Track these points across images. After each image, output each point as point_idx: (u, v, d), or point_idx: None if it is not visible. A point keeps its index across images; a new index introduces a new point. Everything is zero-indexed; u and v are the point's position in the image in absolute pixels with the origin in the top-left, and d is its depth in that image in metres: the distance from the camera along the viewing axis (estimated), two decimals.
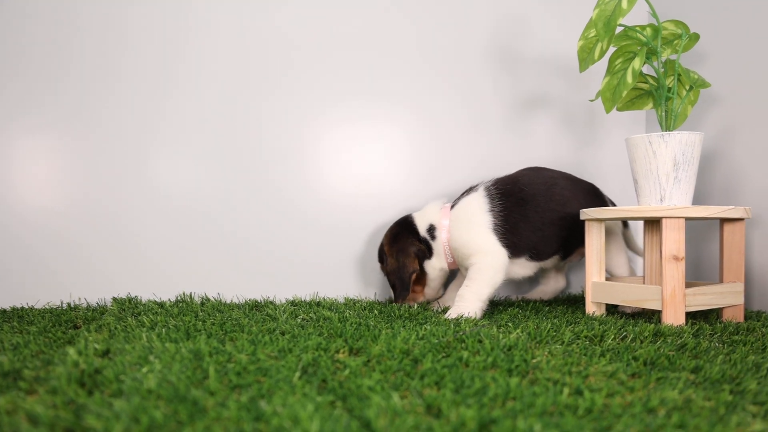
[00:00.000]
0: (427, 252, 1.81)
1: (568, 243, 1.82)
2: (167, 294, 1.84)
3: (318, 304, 1.75)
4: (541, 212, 1.75)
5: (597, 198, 1.87)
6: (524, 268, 1.80)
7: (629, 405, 0.83)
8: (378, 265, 1.92)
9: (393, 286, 1.80)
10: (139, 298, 1.78)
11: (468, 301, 1.63)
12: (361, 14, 2.02)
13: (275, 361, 1.02)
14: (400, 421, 0.74)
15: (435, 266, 1.82)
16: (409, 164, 2.06)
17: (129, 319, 1.44)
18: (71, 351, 0.98)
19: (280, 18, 1.95)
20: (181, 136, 1.88)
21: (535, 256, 1.78)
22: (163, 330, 1.28)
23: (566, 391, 0.88)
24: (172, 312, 1.54)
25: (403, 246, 1.79)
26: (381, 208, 2.01)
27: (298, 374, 0.94)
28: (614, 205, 1.91)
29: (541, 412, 0.80)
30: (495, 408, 0.81)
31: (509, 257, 1.72)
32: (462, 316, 1.57)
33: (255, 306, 1.72)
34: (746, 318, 1.62)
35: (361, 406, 0.80)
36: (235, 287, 1.89)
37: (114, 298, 1.74)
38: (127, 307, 1.63)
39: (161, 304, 1.67)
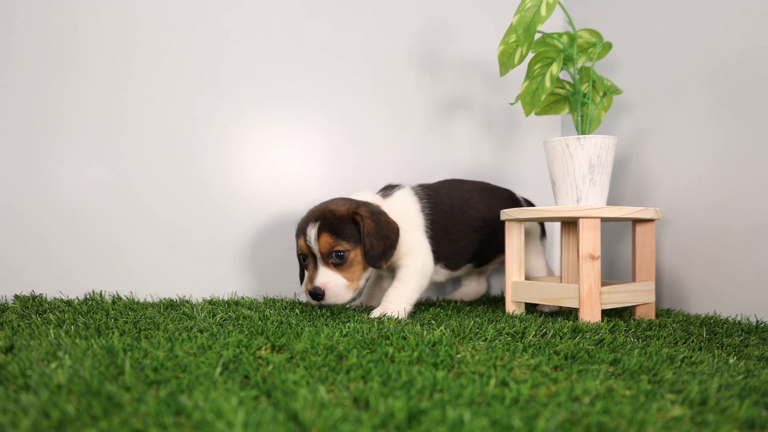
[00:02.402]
0: None
1: (482, 254, 1.86)
2: (75, 292, 1.74)
3: (237, 303, 1.70)
4: (458, 225, 1.78)
5: (513, 204, 1.91)
6: (438, 274, 1.81)
7: (554, 395, 0.84)
8: (296, 260, 1.87)
9: (371, 248, 1.57)
10: (44, 295, 1.68)
11: (395, 304, 1.60)
12: (286, 20, 1.98)
13: (194, 358, 0.98)
14: (327, 413, 0.72)
15: None
16: (329, 165, 2.04)
17: (33, 316, 1.36)
18: None
19: (214, 21, 1.90)
20: (91, 131, 1.79)
21: (450, 265, 1.80)
22: (72, 327, 1.21)
23: (492, 382, 0.88)
24: (81, 310, 1.46)
25: (377, 209, 1.64)
26: (302, 208, 1.98)
27: (219, 370, 0.91)
28: (532, 206, 1.95)
29: (469, 402, 0.80)
30: (423, 400, 0.80)
31: None
32: (385, 315, 1.54)
33: (170, 305, 1.66)
34: (657, 315, 1.68)
35: (287, 399, 0.77)
36: (148, 286, 1.82)
37: (16, 296, 1.64)
38: (31, 304, 1.54)
39: (69, 302, 1.59)
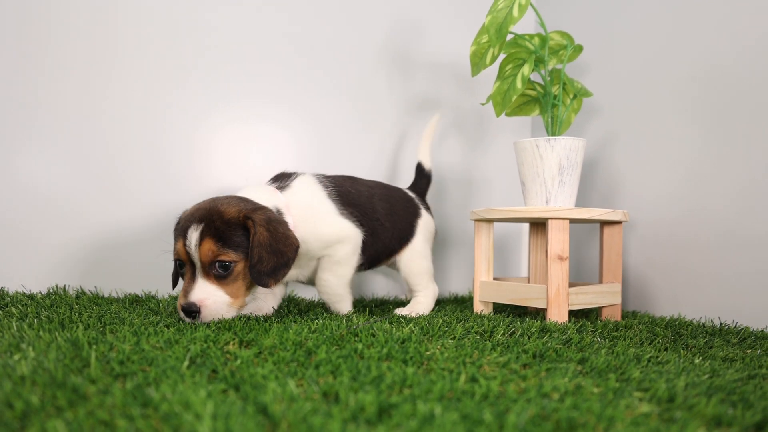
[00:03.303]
0: None
1: (378, 255, 1.68)
2: (37, 286, 1.71)
3: None
4: (368, 220, 1.61)
5: (409, 204, 1.78)
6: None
7: (524, 391, 0.85)
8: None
9: (259, 262, 1.32)
10: (6, 289, 1.65)
11: (333, 294, 1.53)
12: (256, 18, 1.97)
13: (161, 352, 0.97)
14: (297, 406, 0.71)
15: None
16: (298, 164, 2.02)
17: None
18: None
19: (187, 19, 1.88)
20: (60, 125, 1.76)
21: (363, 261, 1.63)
22: (35, 321, 1.18)
23: (462, 378, 0.88)
24: (44, 304, 1.43)
25: (276, 216, 1.39)
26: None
27: (186, 364, 0.90)
28: (428, 208, 1.88)
29: (439, 397, 0.80)
30: (393, 394, 0.80)
31: None
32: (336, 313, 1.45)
33: (135, 300, 1.64)
34: (623, 317, 1.70)
35: (256, 393, 0.77)
36: (113, 281, 1.79)
37: None
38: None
39: (31, 296, 1.55)
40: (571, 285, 1.74)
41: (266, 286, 1.33)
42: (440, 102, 2.21)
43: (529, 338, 1.27)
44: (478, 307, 1.71)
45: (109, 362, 0.87)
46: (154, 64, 1.85)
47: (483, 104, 1.82)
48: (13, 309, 1.32)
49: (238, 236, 1.33)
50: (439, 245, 2.20)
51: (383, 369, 0.92)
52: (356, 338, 1.17)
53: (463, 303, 1.94)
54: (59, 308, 1.38)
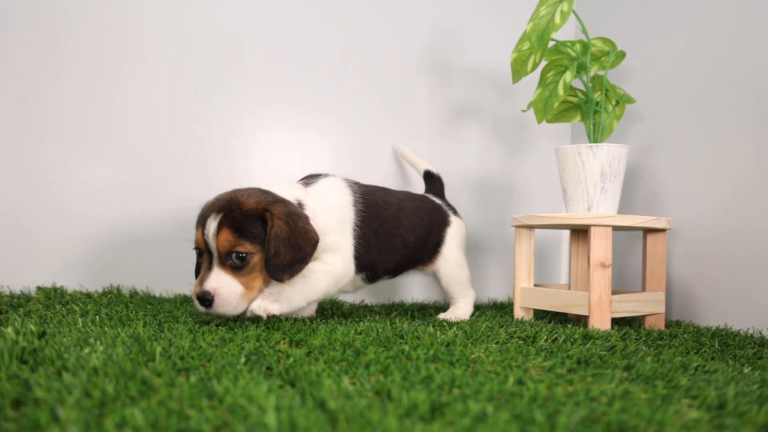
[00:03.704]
0: None
1: (401, 268, 1.68)
2: (94, 286, 1.77)
3: None
4: (389, 236, 1.58)
5: (437, 214, 1.76)
6: (352, 285, 1.60)
7: (571, 395, 0.86)
8: None
9: (275, 255, 1.30)
10: (65, 288, 1.71)
11: (293, 293, 1.37)
12: (297, 25, 2.02)
13: (217, 349, 1.01)
14: (353, 402, 0.74)
15: None
16: (335, 171, 2.05)
17: (57, 306, 1.39)
18: (8, 330, 0.94)
19: (225, 19, 1.93)
20: (103, 130, 1.82)
21: (370, 277, 1.60)
22: (96, 317, 1.24)
23: (510, 380, 0.90)
24: (102, 302, 1.49)
25: (296, 210, 1.37)
26: None
27: (242, 360, 0.93)
28: (455, 211, 1.87)
29: (488, 397, 0.82)
30: (443, 394, 0.82)
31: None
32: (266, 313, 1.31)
33: (186, 300, 1.69)
34: (667, 326, 1.69)
35: (312, 389, 0.80)
36: (164, 282, 1.84)
37: (39, 287, 1.67)
38: (53, 296, 1.57)
39: (89, 295, 1.62)
40: (613, 293, 1.75)
41: (281, 280, 1.32)
42: (479, 109, 2.23)
43: (572, 344, 1.28)
44: (519, 313, 1.72)
45: (171, 357, 0.91)
46: (196, 69, 1.91)
47: (524, 111, 1.83)
48: (75, 306, 1.38)
49: (256, 228, 1.31)
50: (478, 251, 2.22)
51: (431, 370, 0.95)
52: (402, 340, 1.19)
53: (503, 309, 1.96)
54: (116, 306, 1.44)
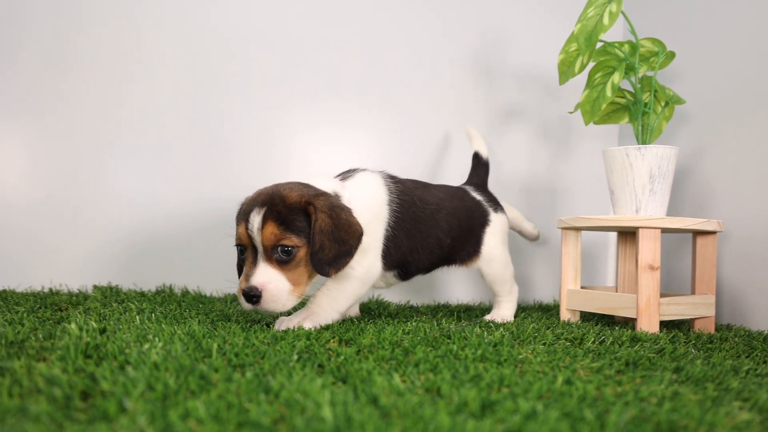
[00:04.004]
0: None
1: (435, 266, 1.66)
2: (147, 285, 1.82)
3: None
4: (424, 236, 1.54)
5: (477, 212, 1.71)
6: (384, 281, 1.57)
7: (620, 395, 0.87)
8: None
9: (320, 249, 1.28)
10: (119, 286, 1.77)
11: (322, 311, 1.37)
12: (346, 20, 2.04)
13: (269, 347, 1.03)
14: (404, 399, 0.76)
15: None
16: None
17: (114, 305, 1.44)
18: (72, 326, 0.98)
19: (259, 17, 1.97)
20: (154, 134, 1.88)
21: (403, 275, 1.56)
22: (152, 315, 1.28)
23: (559, 380, 0.91)
24: (156, 301, 1.54)
25: (339, 203, 1.35)
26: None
27: (295, 357, 0.96)
28: (496, 204, 1.79)
29: (537, 396, 0.83)
30: (492, 392, 0.83)
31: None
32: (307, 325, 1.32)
33: (236, 299, 1.73)
34: (717, 330, 1.67)
35: (364, 386, 0.82)
36: (214, 282, 1.89)
37: (95, 286, 1.73)
38: (109, 294, 1.62)
39: (142, 294, 1.67)
40: (661, 295, 1.73)
41: (327, 275, 1.29)
42: (526, 110, 2.23)
43: (620, 346, 1.28)
44: (565, 315, 1.72)
45: (226, 354, 0.94)
46: (236, 68, 1.95)
47: (571, 113, 1.83)
48: (131, 305, 1.43)
49: (300, 221, 1.29)
50: (523, 253, 2.21)
51: (480, 369, 0.96)
52: (449, 340, 1.21)
53: (549, 311, 1.95)
54: (169, 305, 1.48)
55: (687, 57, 2.01)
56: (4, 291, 1.64)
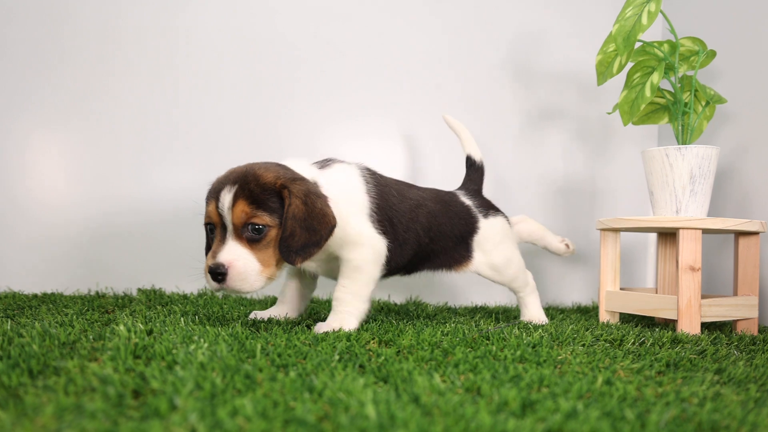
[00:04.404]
0: None
1: (414, 266, 1.56)
2: (189, 288, 1.86)
3: None
4: (404, 227, 1.46)
5: (470, 219, 1.62)
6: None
7: (661, 395, 0.87)
8: None
9: (290, 236, 1.23)
10: (162, 289, 1.81)
11: (352, 307, 1.35)
12: (375, 30, 2.06)
13: (311, 348, 1.05)
14: (445, 398, 0.77)
15: None
16: (415, 174, 2.09)
17: (158, 307, 1.48)
18: (121, 328, 1.02)
19: (294, 30, 2.00)
20: (198, 141, 1.91)
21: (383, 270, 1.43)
22: (196, 317, 1.31)
23: (599, 380, 0.91)
24: (198, 303, 1.57)
25: (315, 190, 1.30)
26: None
27: (336, 358, 0.97)
28: (490, 208, 1.71)
29: (577, 396, 0.83)
30: (532, 392, 0.84)
31: None
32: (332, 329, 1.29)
33: (275, 302, 1.75)
34: (760, 331, 1.65)
35: (405, 385, 0.83)
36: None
37: (139, 289, 1.77)
38: (153, 297, 1.67)
39: (185, 296, 1.70)
40: (702, 296, 1.71)
41: (293, 263, 1.24)
42: (563, 112, 2.22)
43: (660, 348, 1.27)
44: (604, 317, 1.71)
45: (269, 354, 0.96)
46: (281, 79, 1.98)
47: (609, 113, 1.82)
48: (175, 307, 1.47)
49: (273, 202, 1.24)
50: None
51: (519, 370, 0.97)
52: (487, 341, 1.21)
53: (587, 312, 1.94)
54: (212, 307, 1.52)
55: (728, 55, 1.99)
56: (53, 294, 1.70)
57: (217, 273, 1.20)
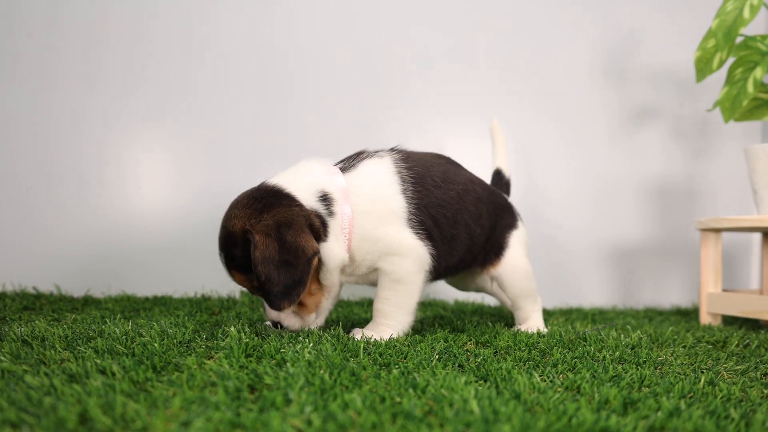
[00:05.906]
0: (322, 229, 1.19)
1: (463, 264, 1.39)
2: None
3: (430, 304, 1.81)
4: (451, 223, 1.30)
5: (507, 214, 1.46)
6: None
7: (767, 397, 0.85)
8: None
9: (267, 281, 1.11)
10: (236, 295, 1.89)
11: (394, 321, 1.24)
12: (457, 30, 2.08)
13: (410, 348, 1.08)
14: (546, 395, 0.79)
15: (335, 254, 1.19)
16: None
17: (260, 309, 1.55)
18: (232, 330, 1.08)
19: (396, 36, 2.05)
20: (267, 149, 1.98)
21: (431, 275, 1.29)
22: None
23: (702, 380, 0.90)
24: None
25: (286, 216, 1.15)
26: None
27: (436, 357, 1.00)
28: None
29: (679, 396, 0.83)
30: (633, 391, 0.85)
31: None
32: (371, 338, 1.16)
33: (370, 303, 1.80)
34: None
35: (504, 384, 0.85)
36: (351, 287, 1.97)
37: (242, 292, 1.85)
38: (256, 299, 1.74)
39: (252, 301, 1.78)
40: None
41: (279, 309, 1.13)
42: (658, 110, 2.18)
43: (766, 350, 1.24)
44: (706, 319, 1.67)
45: (371, 354, 1.00)
46: (353, 82, 2.03)
47: (709, 110, 1.78)
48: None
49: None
50: (658, 256, 2.16)
51: (619, 370, 0.97)
52: (585, 342, 1.21)
53: (687, 315, 1.90)
54: None
55: None
56: (164, 297, 1.80)
57: (276, 324, 1.21)
